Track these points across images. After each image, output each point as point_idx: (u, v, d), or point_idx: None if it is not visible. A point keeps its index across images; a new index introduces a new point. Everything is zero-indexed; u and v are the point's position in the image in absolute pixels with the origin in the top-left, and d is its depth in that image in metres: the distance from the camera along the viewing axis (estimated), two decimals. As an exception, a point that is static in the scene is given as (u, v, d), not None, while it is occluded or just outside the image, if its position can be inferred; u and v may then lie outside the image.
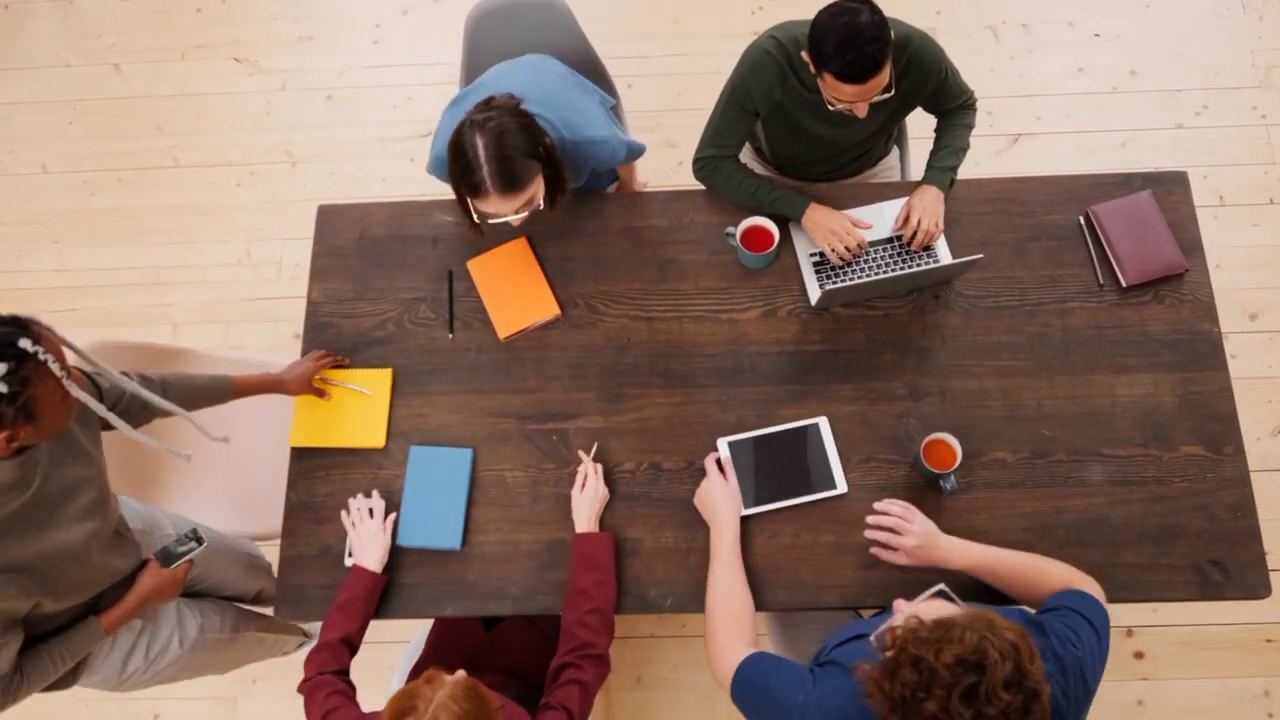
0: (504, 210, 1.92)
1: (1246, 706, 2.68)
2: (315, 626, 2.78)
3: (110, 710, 2.83)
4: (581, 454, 2.12)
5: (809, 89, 2.13)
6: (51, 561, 1.69)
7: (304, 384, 2.15)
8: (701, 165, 2.29)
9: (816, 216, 2.21)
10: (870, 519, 1.92)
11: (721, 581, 1.87)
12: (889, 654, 1.36)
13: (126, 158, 3.54)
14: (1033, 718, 1.29)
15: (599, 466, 2.09)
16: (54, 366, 1.52)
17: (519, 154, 1.87)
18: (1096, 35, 3.48)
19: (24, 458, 1.63)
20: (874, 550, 1.93)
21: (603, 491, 2.06)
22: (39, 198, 3.49)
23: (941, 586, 1.47)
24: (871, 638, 1.46)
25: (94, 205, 3.47)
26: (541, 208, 2.00)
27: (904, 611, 1.45)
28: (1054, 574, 1.76)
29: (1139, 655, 2.73)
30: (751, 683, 1.63)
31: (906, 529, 1.87)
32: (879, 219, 2.27)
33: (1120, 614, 2.77)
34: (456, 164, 1.88)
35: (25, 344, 1.47)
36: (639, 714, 2.74)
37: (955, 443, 2.00)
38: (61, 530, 1.71)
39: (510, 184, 1.87)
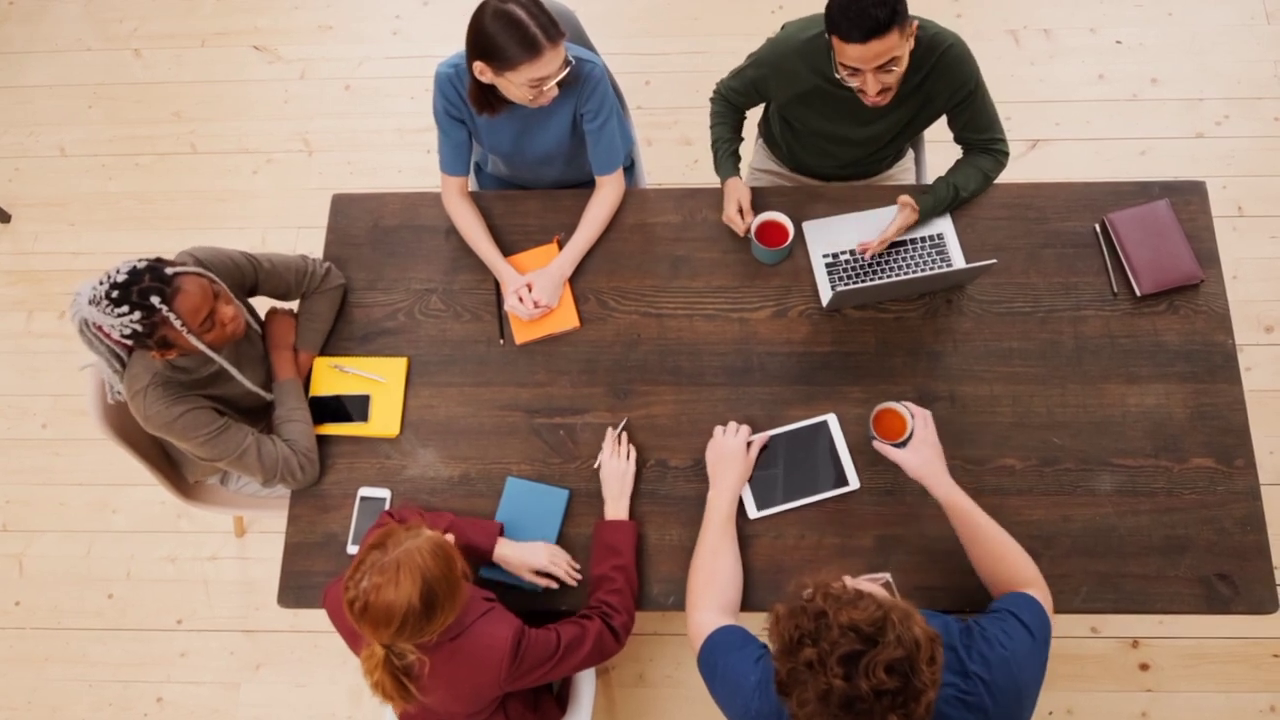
0: (555, 63, 1.97)
1: (1251, 722, 2.66)
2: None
3: (114, 691, 2.85)
4: (610, 431, 2.12)
5: (832, 82, 2.11)
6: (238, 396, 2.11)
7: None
8: (714, 94, 2.40)
9: (728, 189, 2.29)
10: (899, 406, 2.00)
11: (706, 543, 1.91)
12: (801, 601, 1.40)
13: (145, 143, 3.56)
14: (906, 712, 1.32)
15: (631, 450, 2.09)
16: (177, 323, 1.81)
17: (546, 8, 1.96)
18: (1118, 42, 3.45)
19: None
20: (877, 444, 1.95)
21: (622, 467, 2.06)
22: (57, 180, 3.52)
23: (887, 577, 1.48)
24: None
25: (112, 189, 3.49)
26: (574, 62, 2.06)
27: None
28: (1013, 560, 1.76)
29: (1144, 667, 2.72)
30: (713, 656, 1.68)
31: (929, 426, 1.94)
32: (889, 221, 2.26)
33: (1126, 624, 2.76)
34: (502, 37, 1.92)
35: (155, 300, 1.78)
36: (642, 711, 2.74)
37: (907, 411, 1.96)
38: (244, 375, 2.10)
39: (557, 29, 1.95)
